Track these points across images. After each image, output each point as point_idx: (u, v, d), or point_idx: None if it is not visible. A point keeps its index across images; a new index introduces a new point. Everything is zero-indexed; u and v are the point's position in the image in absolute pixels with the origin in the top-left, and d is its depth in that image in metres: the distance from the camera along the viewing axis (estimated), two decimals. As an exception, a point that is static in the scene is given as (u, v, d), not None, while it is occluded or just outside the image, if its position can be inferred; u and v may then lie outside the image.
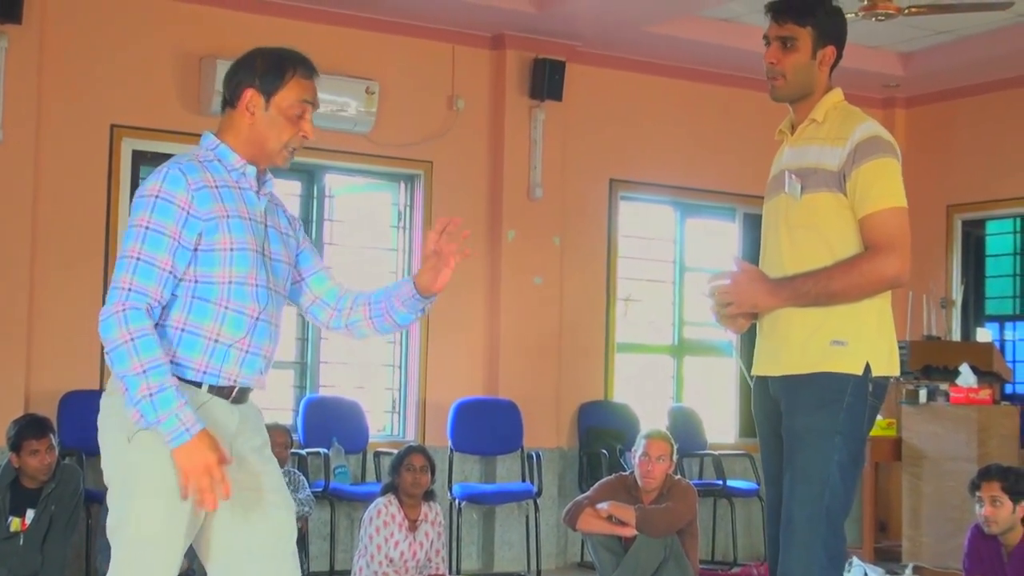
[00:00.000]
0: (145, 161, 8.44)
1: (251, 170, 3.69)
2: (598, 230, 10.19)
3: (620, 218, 10.36)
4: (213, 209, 3.55)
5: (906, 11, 8.11)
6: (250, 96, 3.66)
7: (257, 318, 3.65)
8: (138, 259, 3.49)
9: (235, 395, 3.66)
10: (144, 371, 3.40)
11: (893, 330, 4.18)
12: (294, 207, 9.39)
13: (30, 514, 6.66)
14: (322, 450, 8.65)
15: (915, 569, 8.25)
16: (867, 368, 4.05)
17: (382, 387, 9.61)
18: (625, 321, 10.53)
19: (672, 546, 6.96)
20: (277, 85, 3.67)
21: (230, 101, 3.70)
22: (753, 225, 10.25)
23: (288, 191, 9.43)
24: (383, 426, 9.57)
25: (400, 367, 9.57)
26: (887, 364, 4.11)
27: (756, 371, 4.26)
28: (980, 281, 11.32)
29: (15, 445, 6.72)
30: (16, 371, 7.98)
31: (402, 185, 9.67)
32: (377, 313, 3.98)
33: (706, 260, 10.72)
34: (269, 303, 3.69)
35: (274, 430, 7.79)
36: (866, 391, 4.06)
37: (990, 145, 10.81)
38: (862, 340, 4.05)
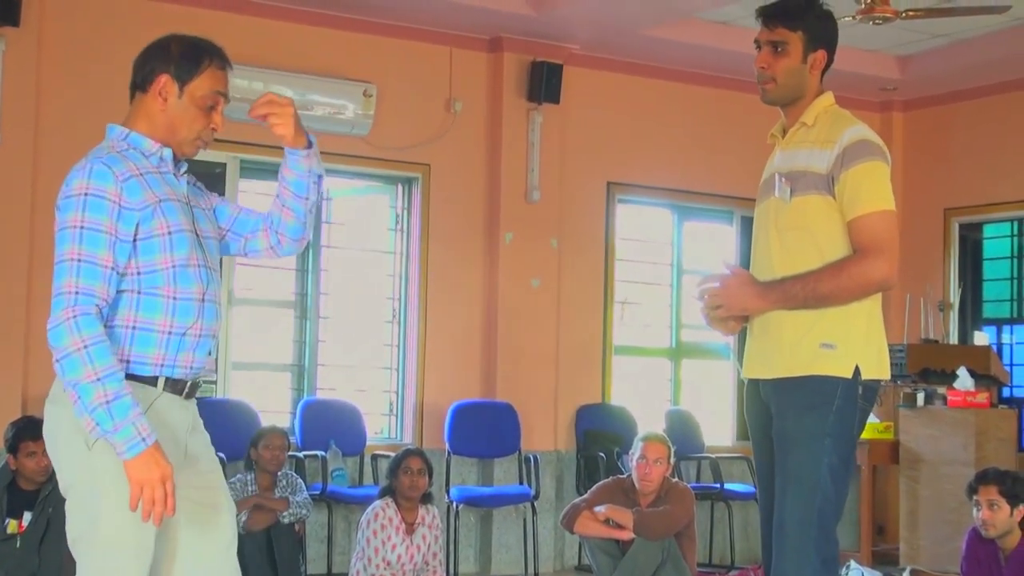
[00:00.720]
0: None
1: (167, 153, 3.64)
2: (595, 233, 10.20)
3: (617, 221, 10.36)
4: (144, 197, 3.50)
5: (903, 14, 8.12)
6: (164, 82, 3.62)
7: (203, 299, 3.61)
8: (79, 260, 3.42)
9: (187, 391, 3.64)
10: (99, 379, 3.34)
11: (883, 333, 4.19)
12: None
13: (27, 516, 6.65)
14: (319, 453, 8.64)
15: (912, 572, 8.24)
16: (856, 371, 4.06)
17: (379, 390, 9.60)
18: (622, 324, 10.54)
19: (670, 549, 6.96)
20: (193, 73, 3.63)
21: (141, 85, 3.67)
22: (750, 228, 10.24)
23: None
24: (380, 429, 9.56)
25: (398, 369, 9.57)
26: (877, 367, 4.13)
27: (747, 374, 4.29)
28: (978, 284, 11.31)
29: (12, 447, 6.71)
30: (13, 373, 7.98)
31: (400, 188, 9.67)
32: (279, 196, 3.88)
33: (703, 263, 10.72)
34: (211, 282, 3.66)
35: (272, 433, 7.83)
36: (856, 394, 4.06)
37: (988, 148, 10.81)
38: (851, 343, 4.07)
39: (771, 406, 4.16)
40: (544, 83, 9.62)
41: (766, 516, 4.24)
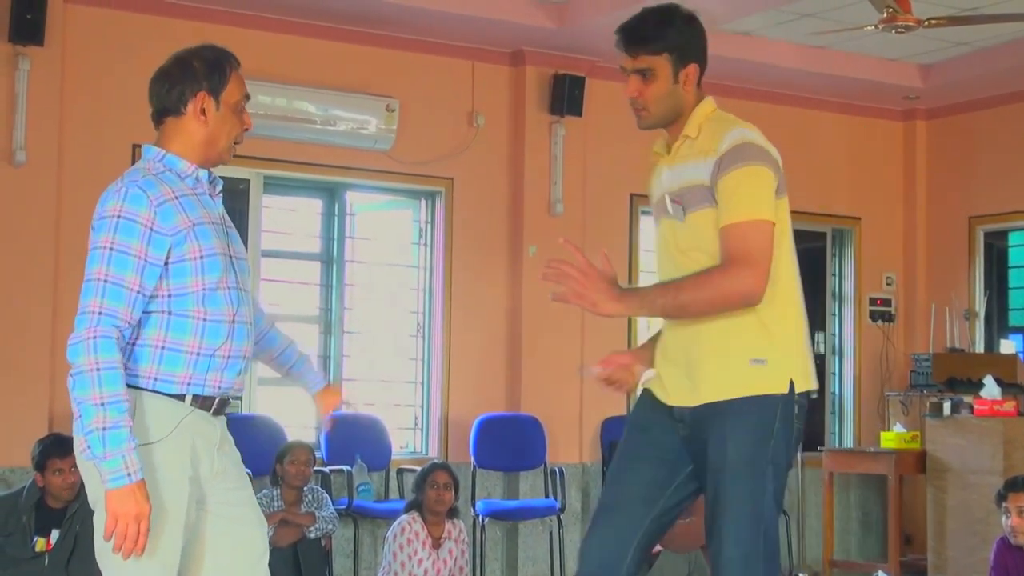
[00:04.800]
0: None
1: (203, 174, 3.70)
2: (619, 245, 10.18)
3: (641, 233, 10.35)
4: (178, 223, 3.55)
5: (926, 23, 8.10)
6: (202, 99, 3.67)
7: (233, 321, 3.65)
8: (105, 281, 3.47)
9: (216, 407, 3.67)
10: (103, 403, 3.39)
11: (808, 340, 3.91)
12: (315, 225, 9.42)
13: (55, 534, 6.68)
14: (345, 467, 8.65)
15: (941, 582, 8.22)
16: (791, 386, 3.77)
17: (405, 404, 9.61)
18: (647, 335, 10.49)
19: (696, 562, 6.95)
20: (223, 83, 3.70)
21: (173, 110, 3.69)
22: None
23: (310, 209, 9.46)
24: (406, 443, 9.56)
25: (422, 383, 9.57)
26: (808, 379, 3.84)
27: (671, 401, 3.93)
28: (1003, 293, 11.27)
29: (39, 464, 6.73)
30: (40, 390, 8.00)
31: (423, 202, 9.68)
32: (275, 359, 4.18)
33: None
34: (241, 303, 3.70)
35: (298, 447, 7.84)
36: (792, 412, 3.77)
37: (1012, 156, 10.77)
38: (782, 355, 3.79)
39: (696, 432, 3.84)
40: (566, 96, 9.63)
41: (615, 542, 3.93)
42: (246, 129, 3.77)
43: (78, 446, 3.47)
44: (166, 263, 3.54)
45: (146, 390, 3.55)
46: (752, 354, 3.77)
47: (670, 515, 4.00)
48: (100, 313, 3.45)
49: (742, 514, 3.74)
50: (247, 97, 3.77)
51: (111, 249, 3.48)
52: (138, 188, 3.53)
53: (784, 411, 3.77)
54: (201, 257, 3.58)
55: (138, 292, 3.49)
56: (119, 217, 3.50)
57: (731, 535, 3.75)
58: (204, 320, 3.59)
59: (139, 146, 8.50)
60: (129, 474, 3.39)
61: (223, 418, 3.74)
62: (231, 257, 3.70)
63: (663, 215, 3.97)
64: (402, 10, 8.84)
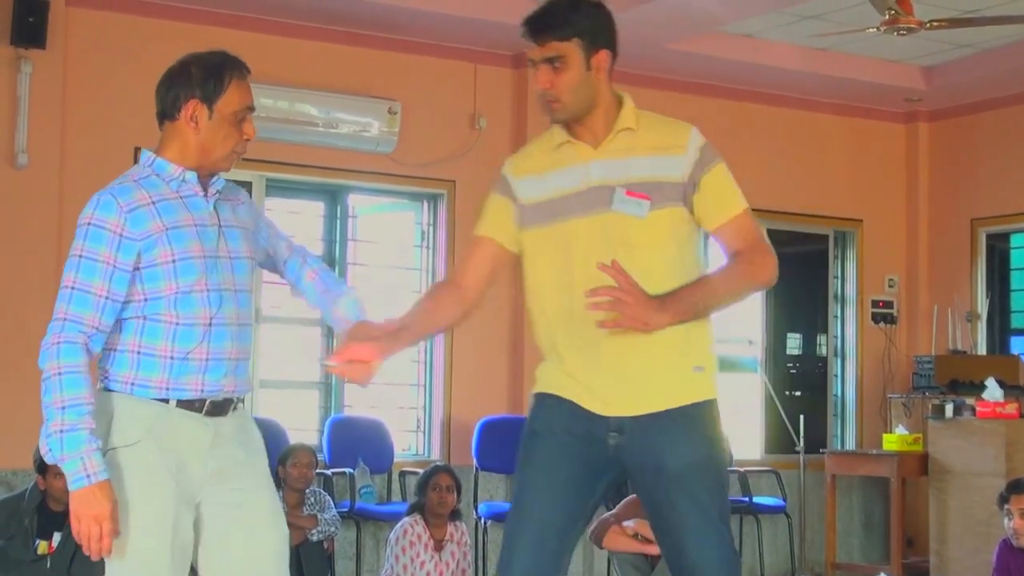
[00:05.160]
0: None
1: (191, 176, 3.65)
2: (621, 247, 10.16)
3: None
4: (149, 228, 3.54)
5: (928, 25, 8.10)
6: (193, 107, 3.64)
7: (210, 324, 3.61)
8: (73, 288, 3.53)
9: (208, 408, 3.64)
10: (63, 407, 3.44)
11: None
12: (317, 227, 9.41)
13: (57, 537, 6.68)
14: (348, 470, 8.65)
15: (944, 585, 8.21)
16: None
17: (407, 406, 9.61)
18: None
19: (699, 563, 6.94)
20: (219, 92, 3.64)
21: (169, 114, 3.68)
22: (774, 240, 10.22)
23: (312, 211, 9.47)
24: (408, 446, 9.56)
25: (425, 386, 9.57)
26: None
27: (606, 411, 3.79)
28: (1005, 295, 11.27)
29: (41, 467, 6.74)
30: (40, 393, 7.99)
31: (425, 204, 9.69)
32: (320, 303, 4.00)
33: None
34: (224, 305, 3.64)
35: (300, 450, 7.85)
36: (719, 416, 3.83)
37: (1014, 158, 10.76)
38: (712, 362, 3.86)
39: (638, 441, 3.75)
40: (568, 98, 9.61)
41: (553, 567, 3.94)
42: (247, 139, 3.70)
43: (41, 449, 3.50)
44: (137, 268, 3.54)
45: (124, 394, 3.58)
46: (695, 361, 3.80)
47: (586, 524, 4.05)
48: (65, 320, 3.52)
49: (710, 517, 3.73)
50: (251, 108, 3.70)
51: (80, 256, 3.53)
52: (110, 195, 3.55)
53: (718, 415, 3.83)
54: (173, 261, 3.56)
55: (106, 298, 3.51)
56: (89, 224, 3.53)
57: (703, 539, 3.73)
58: (176, 324, 3.57)
59: (140, 149, 8.54)
60: (88, 475, 3.42)
61: (223, 418, 3.70)
62: (219, 257, 3.65)
63: (600, 207, 3.77)
64: (404, 13, 8.85)
